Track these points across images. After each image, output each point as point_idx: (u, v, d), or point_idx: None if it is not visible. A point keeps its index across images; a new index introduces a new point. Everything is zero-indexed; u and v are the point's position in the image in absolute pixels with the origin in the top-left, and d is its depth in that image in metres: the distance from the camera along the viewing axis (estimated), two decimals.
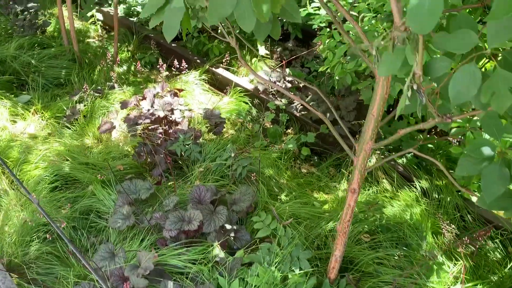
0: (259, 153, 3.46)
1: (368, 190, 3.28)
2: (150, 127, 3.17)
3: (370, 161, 3.45)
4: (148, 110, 3.25)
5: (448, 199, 3.11)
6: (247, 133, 3.80)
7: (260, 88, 4.14)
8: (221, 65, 4.71)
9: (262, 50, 4.81)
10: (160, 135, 3.14)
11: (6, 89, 3.74)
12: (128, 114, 3.27)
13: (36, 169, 2.88)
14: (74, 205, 2.72)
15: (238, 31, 4.74)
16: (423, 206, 3.02)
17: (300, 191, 3.21)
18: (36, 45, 4.33)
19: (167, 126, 3.24)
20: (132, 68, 4.62)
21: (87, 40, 5.02)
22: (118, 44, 5.08)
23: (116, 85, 3.79)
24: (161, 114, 3.17)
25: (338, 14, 2.37)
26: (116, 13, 4.24)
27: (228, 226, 2.27)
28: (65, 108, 3.51)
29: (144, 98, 3.61)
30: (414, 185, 3.26)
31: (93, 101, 3.59)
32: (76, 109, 3.40)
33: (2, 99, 3.49)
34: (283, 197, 3.05)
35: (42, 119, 3.50)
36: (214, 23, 1.51)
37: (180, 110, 3.24)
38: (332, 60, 3.52)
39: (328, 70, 3.61)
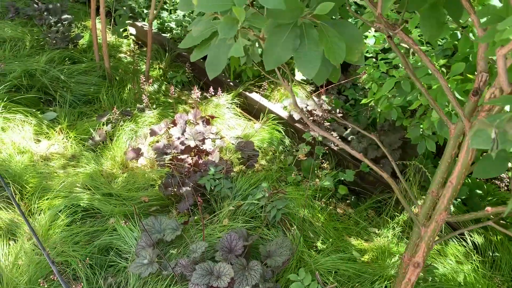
0: (294, 194, 3.20)
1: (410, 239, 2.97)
2: (179, 157, 2.95)
3: (415, 207, 3.15)
4: (178, 138, 3.04)
5: (505, 258, 2.78)
6: (279, 165, 3.54)
7: (295, 116, 3.89)
8: (255, 89, 4.49)
9: (299, 76, 4.57)
10: (189, 166, 2.92)
11: (33, 105, 3.60)
12: (158, 141, 3.05)
13: (55, 198, 2.68)
14: (93, 241, 2.50)
15: None
16: (475, 264, 2.70)
17: (337, 236, 2.93)
18: (67, 59, 4.19)
19: (196, 156, 3.01)
20: (163, 87, 4.44)
21: (119, 55, 4.88)
22: (150, 61, 4.93)
23: (146, 108, 3.59)
24: (192, 143, 2.95)
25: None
26: (150, 30, 4.07)
27: (261, 286, 2.01)
28: (92, 130, 3.32)
29: (174, 123, 3.40)
30: (464, 239, 2.94)
31: (121, 124, 3.40)
32: (103, 132, 3.22)
33: (27, 116, 3.34)
34: (319, 244, 2.77)
35: (66, 139, 3.32)
36: (271, 68, 1.27)
37: (212, 139, 3.02)
38: (377, 92, 3.26)
39: (372, 103, 3.35)
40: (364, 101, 3.38)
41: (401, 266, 1.84)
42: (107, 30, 5.33)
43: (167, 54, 4.95)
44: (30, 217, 2.59)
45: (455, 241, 2.96)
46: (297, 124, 3.86)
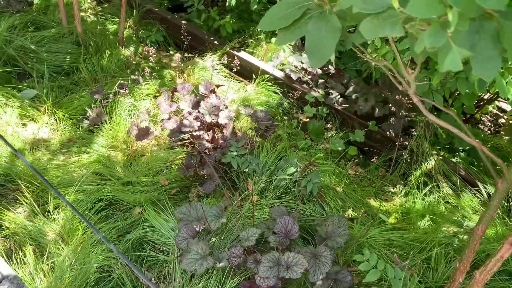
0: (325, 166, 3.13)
1: (429, 196, 3.04)
2: (194, 134, 2.73)
3: (428, 163, 3.20)
4: (189, 113, 2.80)
5: None
6: (286, 131, 3.42)
7: (293, 76, 3.73)
8: (238, 45, 4.23)
9: None
10: (208, 143, 2.72)
11: (4, 82, 3.14)
12: (169, 118, 2.79)
13: (71, 193, 2.40)
14: (125, 235, 2.30)
15: (256, 7, 4.25)
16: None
17: (359, 199, 2.93)
18: (29, 24, 3.66)
19: (211, 131, 2.81)
20: (140, 49, 4.05)
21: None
22: (114, 18, 4.46)
23: (140, 78, 3.26)
24: (208, 119, 2.73)
25: None
26: None
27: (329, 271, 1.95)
28: (87, 109, 2.97)
29: (173, 90, 3.13)
30: (479, 190, 3.06)
31: (116, 98, 3.07)
32: (100, 110, 2.89)
33: (7, 96, 2.91)
34: (350, 212, 2.75)
35: (55, 120, 2.96)
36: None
37: (228, 114, 2.81)
38: (381, 48, 3.17)
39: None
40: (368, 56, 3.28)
41: (473, 238, 1.85)
42: None
43: (134, 10, 4.49)
44: (47, 216, 2.31)
45: (469, 193, 3.07)
46: (296, 85, 3.71)
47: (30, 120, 2.93)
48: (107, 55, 3.60)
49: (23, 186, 2.37)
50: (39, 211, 2.31)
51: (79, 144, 2.78)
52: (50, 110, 3.00)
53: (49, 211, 2.33)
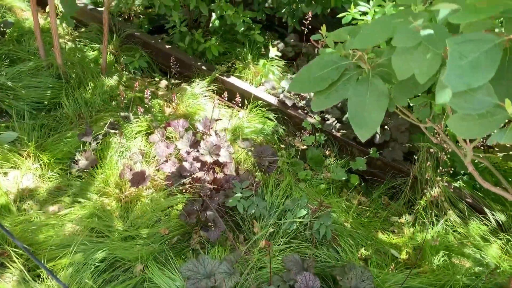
0: (312, 192, 2.99)
1: (436, 225, 2.95)
2: (194, 175, 2.55)
3: (433, 190, 3.11)
4: (188, 152, 2.62)
5: None
6: (285, 160, 3.27)
7: (288, 102, 3.59)
8: (225, 69, 4.07)
9: (273, 52, 4.22)
10: (209, 185, 2.55)
11: None
12: (166, 160, 2.60)
13: (66, 254, 2.18)
14: None
15: (242, 29, 4.10)
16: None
17: (367, 234, 2.81)
18: (4, 57, 3.40)
19: (211, 171, 2.64)
20: (124, 78, 3.83)
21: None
22: (93, 44, 4.22)
23: (131, 114, 3.05)
24: (209, 159, 2.56)
25: None
26: (106, 16, 3.41)
27: None
28: (74, 152, 2.75)
29: (166, 126, 2.95)
30: (487, 217, 2.98)
31: (107, 139, 2.86)
32: (90, 154, 2.67)
33: None
34: (362, 251, 2.62)
35: (41, 166, 2.73)
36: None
37: (228, 151, 2.64)
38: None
39: None
40: None
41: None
42: (41, 14, 4.46)
43: (114, 35, 4.27)
44: (39, 282, 2.09)
45: (476, 221, 2.99)
46: (291, 111, 3.57)
47: (12, 167, 2.69)
48: (90, 87, 3.38)
49: (10, 250, 2.14)
50: (29, 277, 2.08)
51: (70, 193, 2.55)
52: (34, 153, 2.77)
53: (41, 276, 2.10)
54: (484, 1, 0.68)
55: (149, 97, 2.97)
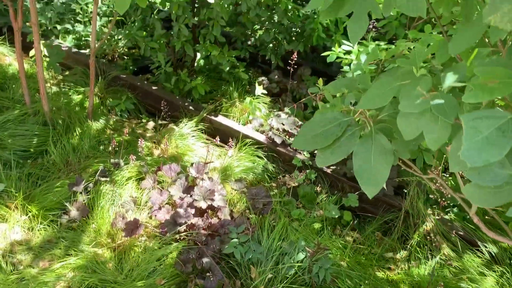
0: (305, 232, 2.98)
1: (431, 260, 2.96)
2: (189, 222, 2.52)
3: (426, 224, 3.13)
4: (181, 198, 2.59)
5: None
6: (277, 200, 3.27)
7: (277, 140, 3.61)
8: (211, 106, 4.10)
9: (259, 90, 4.27)
10: (205, 231, 2.51)
11: None
12: (160, 208, 2.57)
13: None
14: None
15: (228, 68, 4.15)
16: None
17: (364, 272, 2.80)
18: None
19: (205, 216, 2.61)
20: (111, 121, 3.81)
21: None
22: (78, 87, 4.21)
23: (121, 161, 3.01)
24: (203, 205, 2.53)
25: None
26: (93, 61, 3.42)
27: None
28: (64, 203, 2.69)
29: (157, 170, 2.92)
30: (479, 249, 3.01)
31: (97, 187, 2.81)
32: (81, 204, 2.61)
33: None
34: None
35: (29, 218, 2.66)
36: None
37: (222, 194, 2.63)
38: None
39: None
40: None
41: None
42: (25, 60, 4.43)
43: (100, 77, 4.27)
44: None
45: (470, 253, 3.01)
46: (280, 148, 3.59)
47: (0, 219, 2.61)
48: (77, 133, 3.34)
49: None
50: None
51: (61, 246, 2.49)
52: (22, 205, 2.70)
53: None
54: (496, 79, 0.70)
55: (143, 146, 2.94)
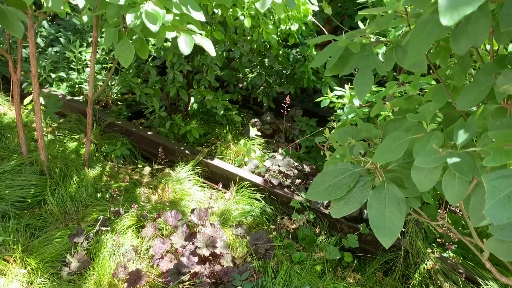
0: (308, 277, 2.97)
1: None
2: (191, 270, 2.50)
3: (426, 263, 3.15)
4: (183, 246, 2.58)
5: None
6: (278, 244, 3.26)
7: (275, 182, 3.64)
8: (205, 149, 4.14)
9: (253, 132, 4.34)
10: (208, 279, 2.49)
11: None
12: (162, 257, 2.55)
13: None
14: None
15: (222, 111, 4.23)
16: None
17: None
18: None
19: (208, 263, 2.59)
20: (108, 168, 3.81)
21: (34, 132, 4.07)
22: (73, 135, 4.22)
23: (121, 209, 3.00)
24: (206, 252, 2.52)
25: None
26: (90, 109, 3.46)
27: None
28: (64, 253, 2.66)
29: (156, 217, 2.91)
30: (480, 287, 3.02)
31: (98, 237, 2.78)
32: (82, 256, 2.58)
33: None
34: None
35: (28, 272, 2.61)
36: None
37: (223, 240, 2.62)
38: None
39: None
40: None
41: None
42: (23, 110, 4.44)
43: (95, 124, 4.30)
44: None
45: None
46: (278, 190, 3.62)
47: None
48: (75, 181, 3.34)
49: None
50: None
51: None
52: (20, 258, 2.65)
53: None
54: (510, 142, 0.76)
55: (145, 195, 2.95)
